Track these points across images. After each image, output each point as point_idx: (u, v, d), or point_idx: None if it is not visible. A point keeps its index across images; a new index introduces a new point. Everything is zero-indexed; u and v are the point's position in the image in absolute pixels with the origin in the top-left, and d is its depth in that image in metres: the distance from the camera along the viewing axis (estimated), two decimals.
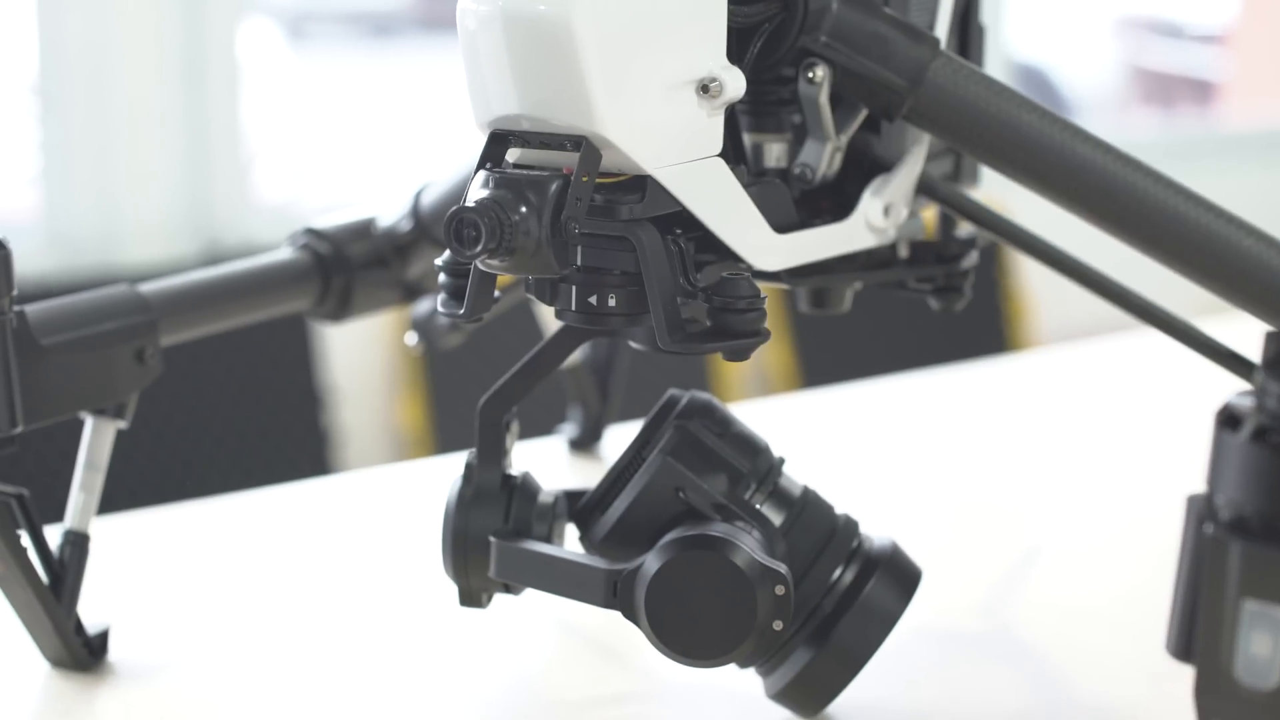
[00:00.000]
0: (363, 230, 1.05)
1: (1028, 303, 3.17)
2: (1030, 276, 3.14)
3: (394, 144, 3.54)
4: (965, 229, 0.93)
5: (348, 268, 1.04)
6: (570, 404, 1.25)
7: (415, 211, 1.06)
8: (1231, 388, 1.35)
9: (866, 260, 0.88)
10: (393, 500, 1.20)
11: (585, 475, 1.20)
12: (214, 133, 2.60)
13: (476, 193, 0.73)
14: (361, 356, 2.73)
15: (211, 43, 2.57)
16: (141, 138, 2.54)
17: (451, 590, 0.84)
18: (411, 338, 1.13)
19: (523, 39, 0.72)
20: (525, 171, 0.73)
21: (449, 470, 1.21)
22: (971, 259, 0.91)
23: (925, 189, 0.88)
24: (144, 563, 1.07)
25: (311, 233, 1.04)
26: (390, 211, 1.07)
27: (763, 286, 0.78)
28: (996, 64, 3.21)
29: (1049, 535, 1.12)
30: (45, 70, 2.49)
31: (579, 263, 0.76)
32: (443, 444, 2.71)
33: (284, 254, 1.03)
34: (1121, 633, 0.96)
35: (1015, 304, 3.16)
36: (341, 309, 1.04)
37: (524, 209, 0.72)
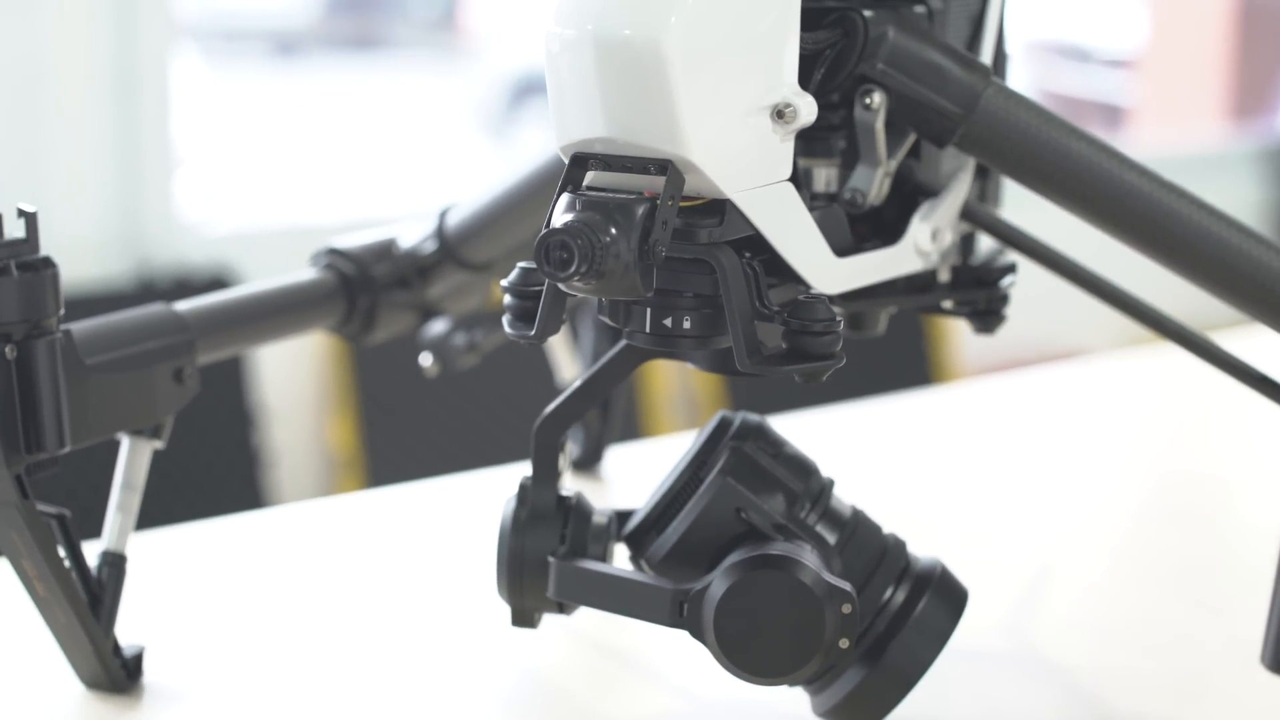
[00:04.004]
0: (385, 251, 1.06)
1: (951, 341, 3.19)
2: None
3: (312, 159, 3.54)
4: (988, 248, 0.94)
5: (372, 288, 1.04)
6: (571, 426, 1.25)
7: (440, 233, 1.06)
8: (1206, 410, 1.37)
9: (907, 284, 0.90)
10: (403, 521, 1.20)
11: (589, 495, 1.19)
12: (144, 152, 2.59)
13: (562, 216, 0.73)
14: (292, 376, 2.72)
15: (142, 62, 2.56)
16: (71, 156, 2.53)
17: (489, 609, 0.84)
18: (426, 359, 1.13)
19: (611, 62, 0.72)
20: (609, 194, 0.74)
21: (425, 496, 1.22)
22: (1011, 282, 0.92)
23: (964, 213, 0.90)
24: (140, 585, 1.06)
25: (335, 253, 1.04)
26: (412, 233, 1.07)
27: None
28: None
29: (1048, 556, 1.13)
30: None
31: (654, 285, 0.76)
32: (373, 464, 2.70)
33: (309, 274, 1.03)
34: (1147, 652, 0.97)
35: (940, 342, 3.19)
36: (365, 329, 1.05)
37: (613, 231, 0.72)
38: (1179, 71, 4.26)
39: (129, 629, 0.95)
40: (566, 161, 0.75)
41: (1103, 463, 1.37)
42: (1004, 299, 0.92)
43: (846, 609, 0.77)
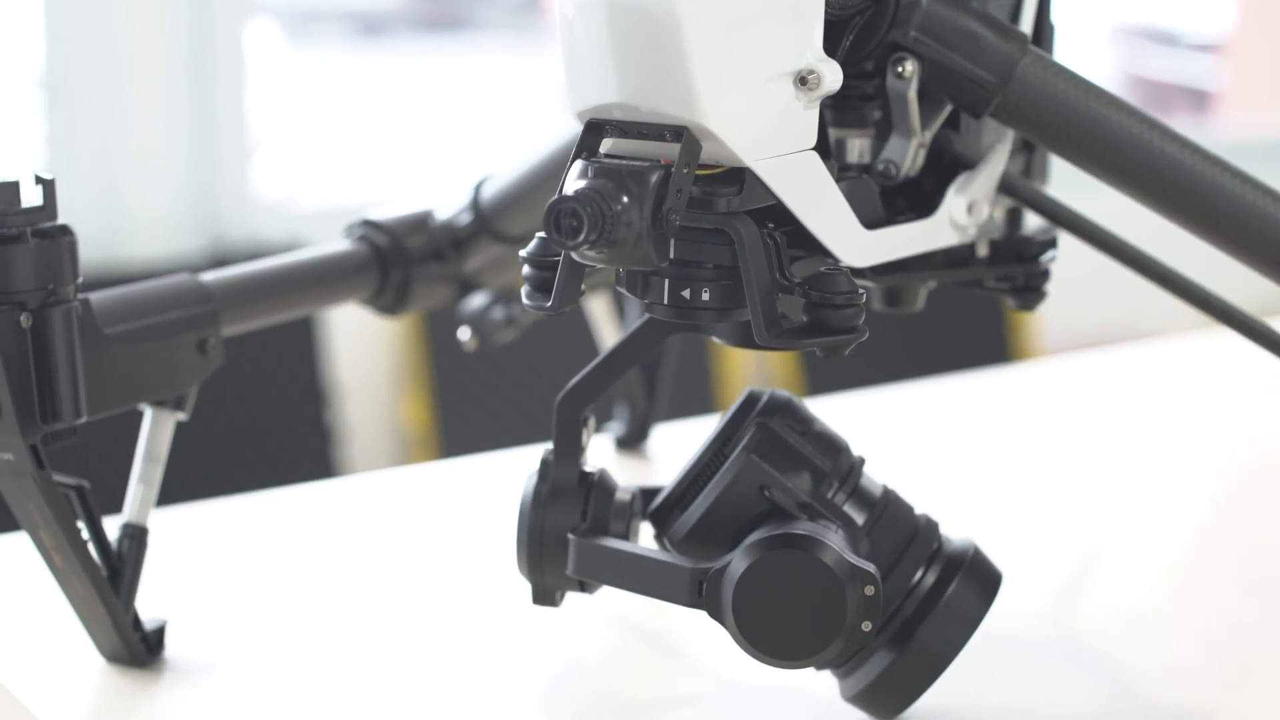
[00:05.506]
0: (420, 223, 1.04)
1: (1032, 317, 3.16)
2: None
3: (389, 141, 3.53)
4: (1035, 225, 0.92)
5: (406, 261, 1.02)
6: (617, 402, 1.23)
7: (475, 205, 1.04)
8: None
9: (944, 259, 0.87)
10: (432, 500, 1.19)
11: (633, 473, 1.18)
12: (219, 129, 2.59)
13: (574, 183, 0.71)
14: (366, 354, 2.72)
15: (218, 39, 2.55)
16: (146, 133, 2.53)
17: (519, 590, 0.83)
18: (465, 333, 1.12)
19: (626, 26, 0.70)
20: (623, 162, 0.72)
21: (484, 469, 1.21)
22: (1052, 258, 0.90)
23: (1004, 187, 0.87)
24: (190, 559, 1.06)
25: (369, 224, 1.03)
26: (448, 204, 1.05)
27: None
28: None
29: (1100, 540, 1.11)
30: (51, 64, 2.48)
31: (671, 255, 0.74)
32: (446, 442, 2.70)
33: (342, 245, 1.02)
34: (1195, 641, 0.95)
35: (1020, 319, 3.15)
36: (399, 302, 1.03)
37: (626, 199, 0.70)
38: (1266, 56, 4.20)
39: (163, 601, 0.95)
40: (581, 128, 0.74)
41: (1171, 446, 1.34)
42: (1044, 274, 0.89)
43: (869, 591, 0.75)
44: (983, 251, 0.89)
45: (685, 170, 0.71)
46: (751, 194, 0.73)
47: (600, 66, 0.72)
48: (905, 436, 1.34)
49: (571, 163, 0.73)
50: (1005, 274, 0.89)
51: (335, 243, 1.02)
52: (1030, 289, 0.89)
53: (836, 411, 1.43)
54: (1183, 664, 0.92)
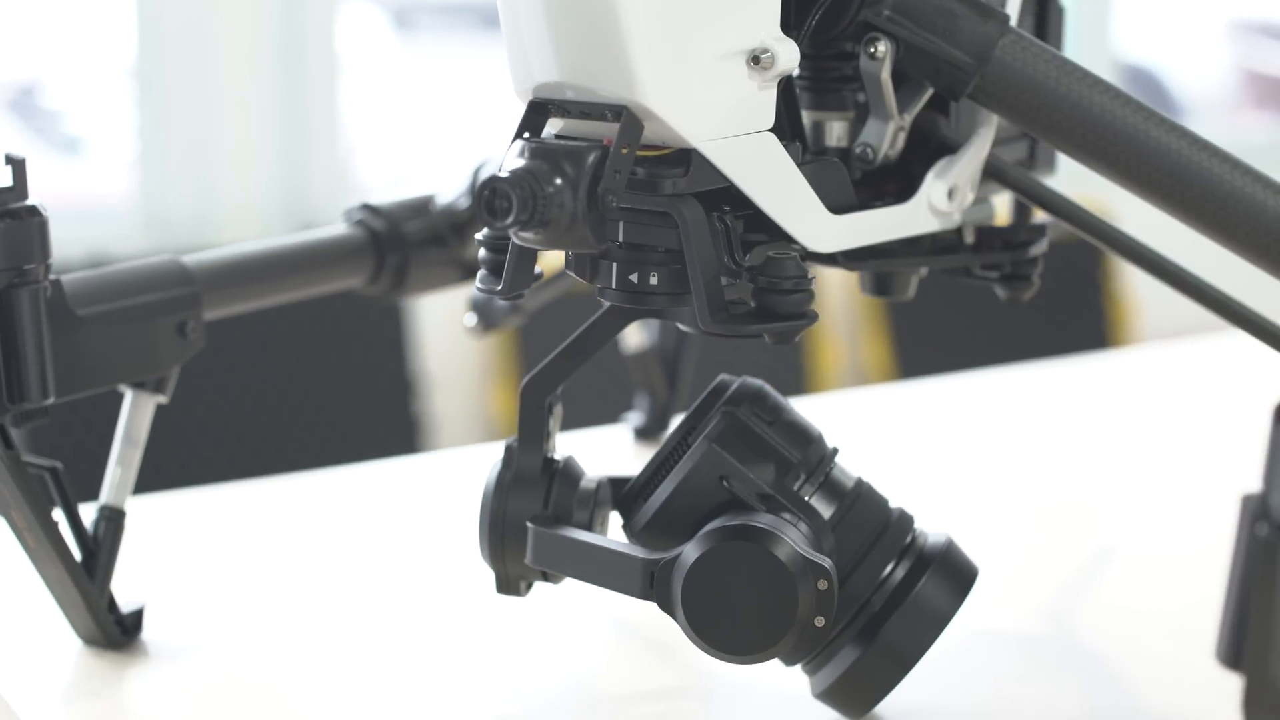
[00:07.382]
0: (420, 207, 1.03)
1: (1131, 306, 3.11)
2: (1135, 279, 3.08)
3: (496, 135, 3.53)
4: (1039, 216, 0.90)
5: (403, 245, 1.01)
6: (636, 392, 1.22)
7: (474, 188, 1.03)
8: None
9: (930, 245, 0.85)
10: (450, 487, 1.18)
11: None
12: (310, 118, 2.59)
13: (512, 163, 0.70)
14: (455, 344, 2.71)
15: (310, 28, 2.56)
16: (238, 122, 2.54)
17: (487, 580, 0.81)
18: (470, 319, 1.11)
19: (564, 2, 0.69)
20: (563, 142, 0.70)
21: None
22: (1041, 246, 0.87)
23: (995, 174, 0.85)
24: (197, 543, 1.06)
25: (367, 208, 1.02)
26: (449, 189, 1.04)
27: (837, 272, 0.75)
28: (1105, 64, 3.15)
29: (1126, 537, 1.09)
30: (144, 54, 2.49)
31: (620, 239, 0.73)
32: None
33: (338, 229, 1.01)
34: (1191, 641, 0.92)
35: (1119, 307, 3.11)
36: (396, 287, 1.02)
37: (559, 180, 0.69)
38: None
39: (153, 584, 0.94)
40: (524, 107, 0.72)
41: (1206, 443, 1.31)
42: (1032, 263, 0.87)
43: (822, 585, 0.72)
44: (969, 239, 0.86)
45: (624, 151, 0.69)
46: (699, 176, 0.72)
47: (539, 43, 0.71)
48: (990, 421, 1.33)
49: (511, 143, 0.71)
50: (992, 262, 0.87)
51: (331, 226, 1.01)
52: (1019, 277, 0.87)
53: (927, 395, 1.42)
54: (1176, 666, 0.89)
